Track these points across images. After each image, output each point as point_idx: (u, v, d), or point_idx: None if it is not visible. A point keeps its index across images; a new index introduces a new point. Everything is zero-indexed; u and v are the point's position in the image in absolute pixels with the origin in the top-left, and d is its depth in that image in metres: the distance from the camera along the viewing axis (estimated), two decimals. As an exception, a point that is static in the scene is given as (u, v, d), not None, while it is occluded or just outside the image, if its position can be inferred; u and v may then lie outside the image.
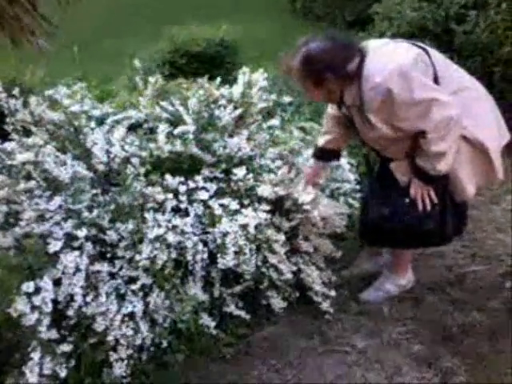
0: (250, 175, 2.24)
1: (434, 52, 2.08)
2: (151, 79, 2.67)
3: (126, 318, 1.99)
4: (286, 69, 2.11)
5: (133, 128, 2.47)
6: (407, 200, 2.10)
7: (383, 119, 1.98)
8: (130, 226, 2.04)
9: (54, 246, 1.94)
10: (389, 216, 2.13)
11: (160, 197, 2.11)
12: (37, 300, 1.84)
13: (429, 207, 2.08)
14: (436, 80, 2.00)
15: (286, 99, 3.06)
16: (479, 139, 2.02)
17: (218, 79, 2.66)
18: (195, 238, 2.08)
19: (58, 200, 2.04)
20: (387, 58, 1.96)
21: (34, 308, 1.84)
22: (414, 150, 2.05)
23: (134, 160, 2.19)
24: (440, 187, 2.08)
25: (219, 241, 2.08)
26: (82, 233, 1.98)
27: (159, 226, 2.03)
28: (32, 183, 2.06)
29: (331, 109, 2.30)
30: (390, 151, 2.14)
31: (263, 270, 2.19)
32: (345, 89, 2.02)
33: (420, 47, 2.05)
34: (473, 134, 2.02)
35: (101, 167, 2.22)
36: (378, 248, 2.54)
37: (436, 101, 1.91)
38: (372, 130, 2.03)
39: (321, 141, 2.37)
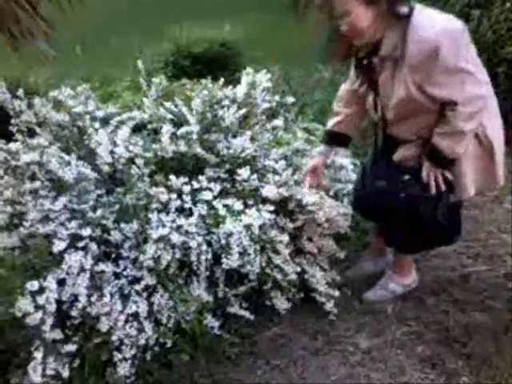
0: (254, 176, 2.24)
1: None
2: (155, 80, 2.68)
3: (130, 318, 2.00)
4: None
5: (137, 129, 2.47)
6: (406, 177, 2.06)
7: (416, 80, 1.90)
8: (135, 226, 2.05)
9: (59, 245, 1.94)
10: (385, 191, 2.09)
11: (164, 197, 2.12)
12: (41, 299, 1.85)
13: (443, 189, 2.03)
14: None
15: (290, 100, 3.06)
16: (490, 138, 2.01)
17: (222, 80, 2.66)
18: (199, 239, 2.08)
19: (62, 200, 2.05)
20: (437, 18, 1.89)
21: (37, 307, 1.84)
22: (428, 132, 2.00)
23: (139, 160, 2.20)
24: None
25: (223, 241, 2.08)
26: (86, 233, 1.98)
27: (163, 226, 2.04)
28: (37, 184, 2.07)
29: (344, 87, 2.26)
30: (402, 127, 2.06)
31: (267, 270, 2.19)
32: (386, 34, 1.91)
33: None
34: (485, 132, 2.00)
35: (105, 168, 2.22)
36: (383, 242, 2.51)
37: (474, 76, 1.87)
38: (399, 88, 1.94)
39: (330, 123, 2.32)
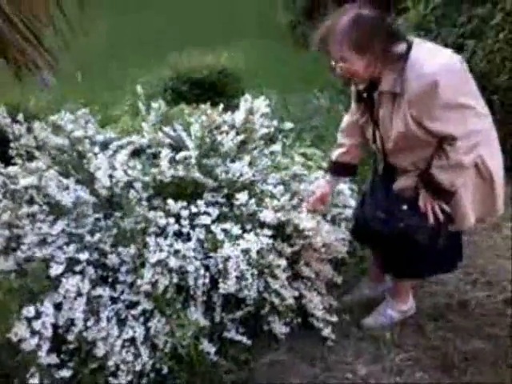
0: (252, 200, 2.25)
1: None
2: (154, 105, 2.71)
3: (127, 343, 1.99)
4: (324, 31, 1.94)
5: (136, 153, 2.49)
6: (405, 207, 2.05)
7: (415, 115, 1.90)
8: (132, 250, 2.04)
9: (56, 269, 1.94)
10: (384, 220, 2.09)
11: (162, 221, 2.12)
12: (37, 325, 1.84)
13: (441, 218, 2.02)
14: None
15: (288, 125, 3.09)
16: (489, 169, 2.01)
17: (221, 106, 2.69)
18: (197, 263, 2.08)
19: (60, 224, 2.05)
20: (437, 52, 1.91)
21: (33, 333, 1.84)
22: (425, 163, 2.01)
23: (137, 184, 2.21)
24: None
25: (221, 265, 2.08)
26: (83, 257, 1.98)
27: (161, 250, 2.04)
28: (35, 207, 2.07)
29: (346, 119, 2.28)
30: (400, 156, 2.07)
31: (265, 295, 2.19)
32: (384, 72, 1.93)
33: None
34: (484, 163, 2.00)
35: (103, 192, 2.23)
36: (380, 270, 2.52)
37: (474, 110, 1.88)
38: (398, 122, 1.95)
39: (334, 154, 2.32)
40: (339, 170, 2.33)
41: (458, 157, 1.91)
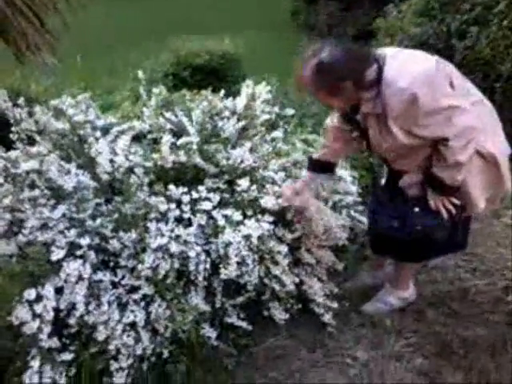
0: (254, 186, 2.25)
1: (446, 62, 2.04)
2: (155, 90, 2.69)
3: (128, 328, 1.99)
4: (297, 83, 2.03)
5: (137, 138, 2.48)
6: (417, 209, 2.08)
7: (403, 127, 1.93)
8: (133, 235, 2.04)
9: (57, 254, 1.94)
10: (399, 227, 2.11)
11: (163, 207, 2.12)
12: (38, 308, 1.84)
13: (454, 211, 2.05)
14: (452, 89, 1.96)
15: (289, 112, 3.08)
16: (492, 153, 2.01)
17: (222, 91, 2.67)
18: (198, 248, 2.08)
19: (61, 209, 2.05)
20: (409, 63, 1.91)
21: (35, 316, 1.84)
22: (428, 161, 2.03)
23: (138, 170, 2.20)
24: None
25: (222, 251, 2.08)
26: (84, 241, 1.98)
27: (162, 235, 2.04)
28: (36, 192, 2.07)
29: (331, 121, 2.27)
30: (402, 162, 2.10)
31: (265, 281, 2.19)
32: (362, 96, 1.95)
33: (434, 56, 2.01)
34: (486, 148, 2.01)
35: (105, 177, 2.22)
36: (387, 259, 2.53)
37: (458, 108, 1.89)
38: (389, 138, 1.98)
39: (318, 154, 2.34)
40: (318, 167, 2.33)
41: (453, 157, 1.93)
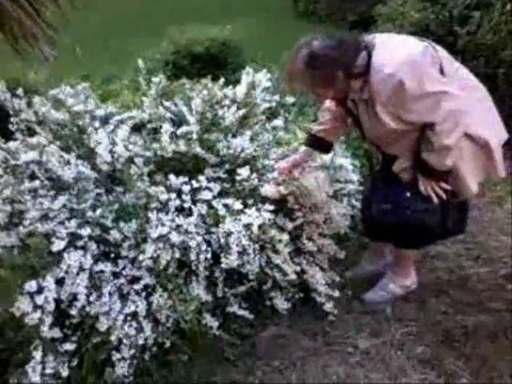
0: (254, 175, 2.24)
1: (439, 48, 2.06)
2: (155, 79, 2.67)
3: (129, 318, 1.99)
4: (288, 74, 2.07)
5: (136, 128, 2.47)
6: (408, 194, 2.10)
7: (391, 112, 1.95)
8: (134, 225, 2.04)
9: (58, 245, 1.94)
10: (390, 211, 2.13)
11: (164, 196, 2.11)
12: (39, 299, 1.85)
13: (444, 197, 2.06)
14: (442, 74, 1.98)
15: (290, 100, 3.06)
16: (482, 136, 2.02)
17: (222, 80, 2.66)
18: (199, 238, 2.07)
19: (61, 199, 2.04)
20: (396, 50, 1.94)
21: (36, 307, 1.84)
22: (418, 146, 2.04)
23: (138, 160, 2.19)
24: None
25: (223, 241, 2.08)
26: (85, 232, 1.98)
27: (163, 225, 2.03)
28: (36, 183, 2.06)
29: (328, 103, 2.29)
30: (393, 148, 2.12)
31: (267, 270, 2.19)
32: (351, 84, 1.99)
33: (425, 41, 2.03)
34: (476, 132, 2.02)
35: (105, 167, 2.22)
36: (382, 244, 2.53)
37: (445, 93, 1.90)
38: (378, 124, 2.01)
39: (315, 128, 2.36)
40: (315, 143, 2.35)
41: (440, 141, 1.95)
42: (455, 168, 2.04)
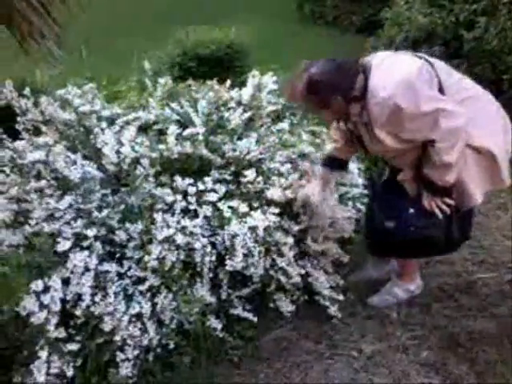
0: (260, 178, 2.24)
1: (437, 62, 2.08)
2: (161, 80, 2.68)
3: (134, 319, 1.99)
4: (290, 96, 2.13)
5: (142, 129, 2.47)
6: (412, 210, 2.11)
7: (390, 133, 1.98)
8: (139, 226, 2.04)
9: (64, 245, 1.95)
10: (394, 229, 2.14)
11: (169, 198, 2.12)
12: (45, 299, 1.85)
13: (448, 211, 2.07)
14: (441, 90, 2.00)
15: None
16: (486, 147, 2.02)
17: (228, 82, 2.66)
18: (204, 240, 2.08)
19: (68, 199, 2.05)
20: (391, 72, 1.96)
21: (42, 307, 1.85)
22: (420, 161, 2.05)
23: (144, 161, 2.19)
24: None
25: (228, 243, 2.08)
26: (91, 232, 1.98)
27: (168, 226, 2.04)
28: (42, 182, 2.07)
29: (336, 122, 2.29)
30: (397, 161, 2.16)
31: (271, 272, 2.19)
32: (351, 109, 2.02)
33: (422, 58, 2.05)
34: (480, 143, 2.02)
35: (111, 167, 2.22)
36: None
37: (443, 111, 1.92)
38: (379, 144, 2.04)
39: (329, 148, 2.37)
40: (331, 163, 2.35)
41: (440, 158, 1.96)
42: (460, 178, 2.04)
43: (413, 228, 2.10)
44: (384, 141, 2.00)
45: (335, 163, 2.34)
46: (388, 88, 1.91)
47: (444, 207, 2.07)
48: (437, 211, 2.07)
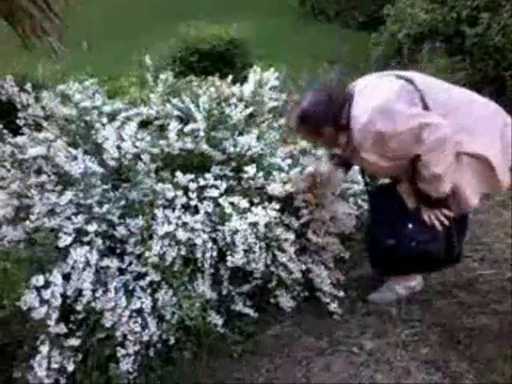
0: (260, 173, 2.24)
1: (417, 77, 2.12)
2: (162, 76, 2.68)
3: (134, 314, 2.00)
4: (288, 127, 2.34)
5: (143, 125, 2.47)
6: (410, 226, 2.14)
7: (378, 154, 2.05)
8: (140, 222, 2.05)
9: (64, 240, 1.95)
10: (396, 246, 2.17)
11: (170, 194, 2.11)
12: (46, 294, 1.85)
13: (447, 223, 2.10)
14: (425, 104, 2.04)
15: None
16: (478, 152, 2.04)
17: (230, 77, 2.65)
18: (205, 236, 2.08)
19: (68, 195, 2.05)
20: (371, 97, 2.05)
21: (43, 302, 1.85)
22: (413, 175, 2.08)
23: (145, 156, 2.19)
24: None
25: (229, 239, 2.08)
26: (92, 228, 1.98)
27: (169, 222, 2.04)
28: (43, 177, 2.07)
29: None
30: (393, 175, 2.22)
31: (272, 268, 2.19)
32: (339, 136, 2.12)
33: (402, 78, 2.09)
34: (471, 148, 2.04)
35: (112, 163, 2.22)
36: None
37: (426, 125, 1.95)
38: (370, 165, 2.13)
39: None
40: (338, 161, 2.36)
41: (428, 171, 2.00)
42: (455, 184, 2.06)
43: (414, 243, 2.14)
44: (372, 161, 2.08)
45: (340, 160, 2.35)
46: (367, 114, 2.00)
47: (443, 219, 2.10)
48: (436, 224, 2.10)
